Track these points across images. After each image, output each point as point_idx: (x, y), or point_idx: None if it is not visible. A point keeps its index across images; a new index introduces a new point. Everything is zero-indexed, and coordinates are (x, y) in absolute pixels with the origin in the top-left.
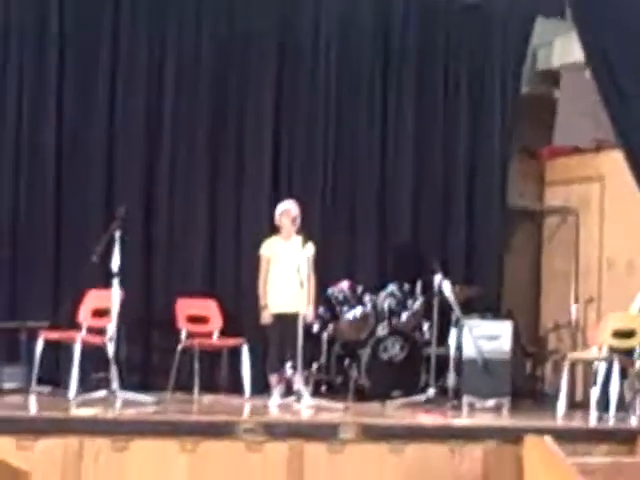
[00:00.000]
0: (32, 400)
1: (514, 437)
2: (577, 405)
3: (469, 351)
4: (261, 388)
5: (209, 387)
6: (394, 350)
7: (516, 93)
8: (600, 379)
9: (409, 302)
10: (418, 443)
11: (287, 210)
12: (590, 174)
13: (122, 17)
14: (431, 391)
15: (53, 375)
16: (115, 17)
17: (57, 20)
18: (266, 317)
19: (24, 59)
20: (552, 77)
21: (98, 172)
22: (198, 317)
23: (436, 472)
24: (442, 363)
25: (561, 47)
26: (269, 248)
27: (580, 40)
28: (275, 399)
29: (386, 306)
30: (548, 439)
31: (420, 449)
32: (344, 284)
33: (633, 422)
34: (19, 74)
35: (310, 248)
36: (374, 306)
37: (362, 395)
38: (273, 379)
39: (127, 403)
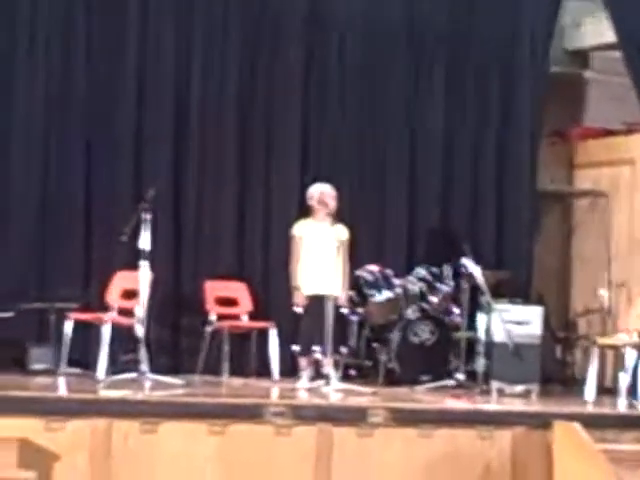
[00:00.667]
0: (61, 381)
1: (543, 423)
2: (606, 391)
3: (499, 336)
4: (290, 371)
5: (238, 370)
6: (424, 334)
7: (545, 74)
8: (630, 365)
9: (439, 286)
10: (447, 428)
11: (321, 191)
12: (620, 157)
13: None
14: (460, 376)
15: (82, 356)
16: None
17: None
18: (298, 298)
19: (51, 35)
20: (582, 58)
21: (127, 153)
22: (227, 299)
23: (465, 457)
24: (472, 348)
25: (591, 27)
26: (301, 229)
27: (610, 20)
28: (304, 382)
29: (416, 289)
30: (577, 425)
31: (449, 434)
32: (373, 268)
33: None
34: (46, 53)
35: (344, 231)
36: (404, 290)
37: (391, 379)
38: (302, 362)
39: (156, 385)
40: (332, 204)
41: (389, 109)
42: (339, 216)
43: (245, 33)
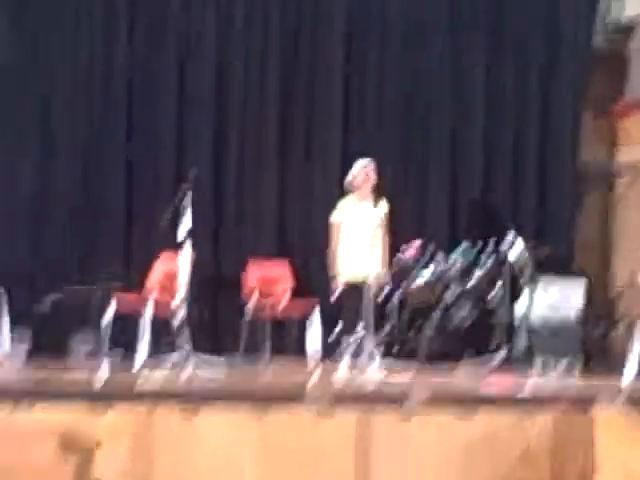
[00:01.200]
0: (104, 365)
1: (585, 401)
2: None
3: (540, 313)
4: (331, 352)
5: (279, 350)
6: (464, 313)
7: (588, 48)
8: None
9: (481, 261)
10: (488, 408)
11: (363, 168)
12: None
13: None
14: (502, 354)
15: (124, 339)
16: None
17: None
18: (337, 285)
19: (93, 24)
20: (625, 30)
21: (168, 136)
22: (269, 279)
23: (506, 438)
24: (513, 326)
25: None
26: (341, 214)
27: None
28: (345, 364)
29: (458, 266)
30: (620, 403)
31: (490, 415)
32: (416, 243)
33: None
34: (90, 44)
35: (384, 205)
36: (444, 269)
37: (433, 358)
38: (344, 342)
39: (198, 365)
40: (373, 177)
41: (430, 86)
42: (380, 191)
43: (285, 20)
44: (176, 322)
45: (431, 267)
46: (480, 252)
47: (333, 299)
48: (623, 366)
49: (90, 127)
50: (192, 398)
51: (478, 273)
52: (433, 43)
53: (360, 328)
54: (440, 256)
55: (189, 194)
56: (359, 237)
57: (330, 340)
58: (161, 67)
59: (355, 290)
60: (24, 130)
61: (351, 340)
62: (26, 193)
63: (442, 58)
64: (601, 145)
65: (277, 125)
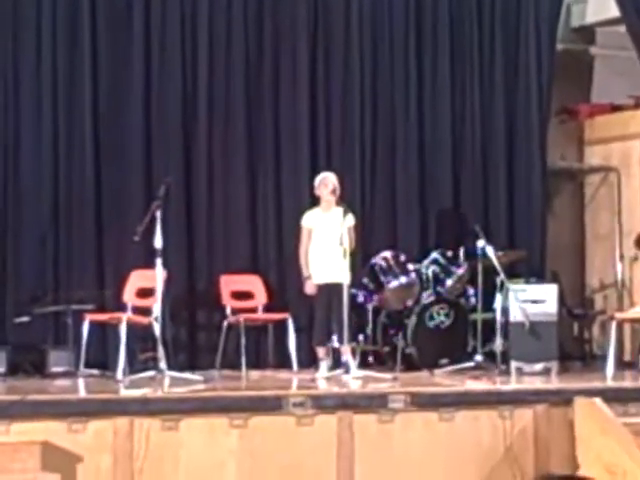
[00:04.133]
0: (81, 383)
1: (564, 400)
2: (626, 365)
3: (515, 315)
4: (308, 362)
5: (256, 363)
6: (440, 317)
7: (551, 51)
8: None
9: (453, 269)
10: (468, 410)
11: (325, 180)
12: (630, 131)
13: None
14: (479, 357)
15: (100, 358)
16: None
17: None
18: (310, 287)
19: (57, 30)
20: (587, 34)
21: (136, 152)
22: (242, 293)
23: (487, 438)
24: (488, 329)
25: (595, 3)
26: (310, 220)
27: None
28: (323, 372)
29: (430, 274)
30: (598, 401)
31: (470, 416)
32: (387, 254)
33: None
34: (53, 48)
35: (350, 219)
36: (418, 274)
37: (410, 364)
38: (320, 352)
39: (175, 382)
40: (331, 193)
41: (395, 94)
42: (350, 204)
43: (250, 21)
44: (152, 338)
45: (404, 275)
46: (452, 259)
47: (308, 293)
48: (599, 364)
49: (55, 147)
50: (172, 411)
51: (451, 280)
52: (397, 51)
53: (336, 335)
54: (412, 265)
55: (159, 210)
56: (328, 243)
57: (307, 347)
58: (126, 78)
59: (326, 293)
60: None
61: (328, 347)
62: None
63: (407, 67)
64: (569, 147)
65: (245, 141)
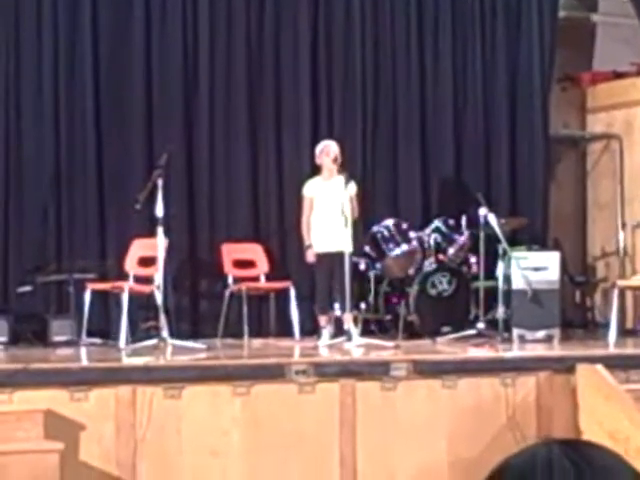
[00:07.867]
0: (83, 352)
1: (566, 367)
2: (628, 332)
3: (517, 283)
4: (310, 330)
5: (258, 331)
6: (442, 285)
7: (554, 18)
8: None
9: (455, 237)
10: (470, 377)
11: (326, 148)
12: (632, 99)
13: None
14: (481, 325)
15: (102, 326)
16: None
17: None
18: (310, 256)
19: (59, 9)
20: (590, 1)
21: (138, 121)
22: (244, 261)
23: (489, 405)
24: (491, 296)
25: None
26: (311, 188)
27: None
28: (325, 340)
29: (432, 242)
30: (600, 367)
31: (472, 383)
32: (389, 222)
33: None
34: (54, 26)
35: (352, 187)
36: (420, 242)
37: (412, 332)
38: (322, 320)
39: (178, 351)
40: (333, 161)
41: (397, 62)
42: (352, 172)
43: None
44: (154, 307)
45: (407, 243)
46: (455, 227)
47: (308, 262)
48: (601, 331)
49: (56, 118)
50: (174, 379)
51: (453, 247)
52: (398, 20)
53: (338, 303)
54: (414, 233)
55: (161, 179)
56: (329, 211)
57: (310, 315)
58: (128, 49)
59: (328, 261)
60: None
61: (330, 315)
62: None
63: (408, 36)
64: (571, 115)
65: (247, 109)
